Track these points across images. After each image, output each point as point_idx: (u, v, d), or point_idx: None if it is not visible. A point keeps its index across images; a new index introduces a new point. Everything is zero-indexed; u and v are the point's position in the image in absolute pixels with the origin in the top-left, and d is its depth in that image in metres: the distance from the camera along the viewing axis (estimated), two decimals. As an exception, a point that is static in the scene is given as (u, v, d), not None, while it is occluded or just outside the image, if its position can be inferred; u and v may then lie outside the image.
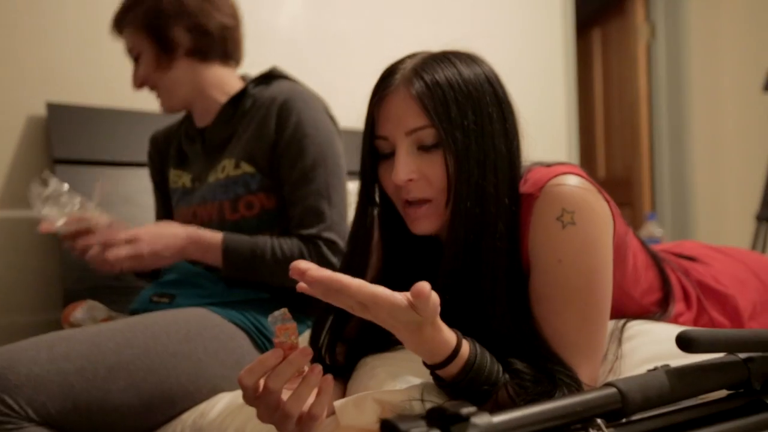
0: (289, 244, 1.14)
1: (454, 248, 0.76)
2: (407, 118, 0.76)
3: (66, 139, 1.61)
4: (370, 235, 0.85)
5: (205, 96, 1.27)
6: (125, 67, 1.81)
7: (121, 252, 1.07)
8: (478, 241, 0.76)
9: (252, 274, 1.14)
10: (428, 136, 0.76)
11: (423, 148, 0.77)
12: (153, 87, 1.27)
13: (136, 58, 1.26)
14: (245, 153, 1.19)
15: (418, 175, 0.77)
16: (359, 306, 0.60)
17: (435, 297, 0.60)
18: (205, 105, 1.28)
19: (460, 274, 0.77)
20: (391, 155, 0.79)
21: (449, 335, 0.66)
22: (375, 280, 0.83)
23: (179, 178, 1.33)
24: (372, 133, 0.80)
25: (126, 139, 1.68)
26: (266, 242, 1.14)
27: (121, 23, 1.25)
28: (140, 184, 1.65)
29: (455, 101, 0.75)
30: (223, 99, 1.26)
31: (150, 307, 1.17)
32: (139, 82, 1.27)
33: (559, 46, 3.02)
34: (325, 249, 1.14)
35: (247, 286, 1.19)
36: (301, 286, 0.60)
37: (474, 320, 0.77)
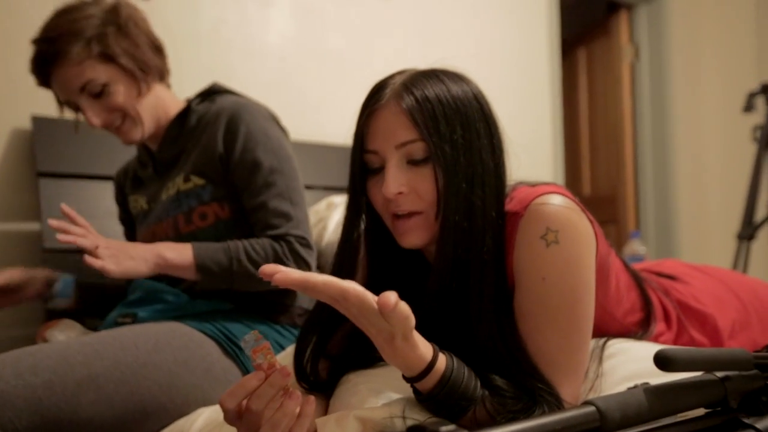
0: (261, 243, 1.14)
1: (443, 262, 0.77)
2: (397, 132, 0.77)
3: (51, 152, 1.60)
4: (358, 250, 0.85)
5: (155, 118, 1.25)
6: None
7: (96, 263, 1.05)
8: (466, 255, 0.77)
9: (229, 281, 1.13)
10: (418, 150, 0.77)
11: (412, 162, 0.78)
12: (124, 117, 1.19)
13: (98, 93, 1.16)
14: (194, 167, 1.20)
15: (408, 188, 0.78)
16: (333, 300, 0.61)
17: (404, 310, 0.61)
18: (155, 127, 1.27)
19: (448, 289, 0.78)
20: (380, 170, 0.80)
21: (425, 349, 0.67)
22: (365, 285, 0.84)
23: (137, 203, 1.34)
24: (362, 148, 0.81)
25: (111, 153, 1.68)
26: (238, 245, 1.14)
27: (62, 60, 1.12)
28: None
29: (444, 116, 0.76)
30: (166, 118, 1.26)
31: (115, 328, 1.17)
32: (110, 111, 1.17)
33: (544, 65, 3.06)
34: (296, 245, 1.14)
35: (210, 297, 1.19)
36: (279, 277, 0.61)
37: (459, 335, 0.77)
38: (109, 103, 1.17)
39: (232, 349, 1.11)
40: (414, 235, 0.80)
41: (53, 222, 1.06)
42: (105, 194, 1.64)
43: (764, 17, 3.66)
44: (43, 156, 1.59)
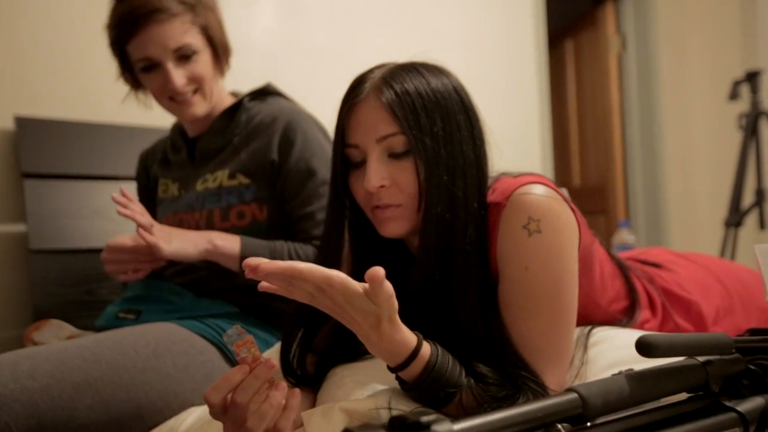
0: (305, 249, 1.15)
1: (426, 253, 0.77)
2: (377, 126, 0.77)
3: (34, 152, 1.59)
4: (341, 244, 0.85)
5: (214, 103, 1.27)
6: (94, 80, 1.81)
7: (150, 238, 1.06)
8: (449, 246, 0.77)
9: None
10: (398, 143, 0.78)
11: (393, 156, 0.79)
12: (197, 88, 1.20)
13: (187, 59, 1.17)
14: (243, 166, 1.20)
15: (389, 181, 0.78)
16: (317, 291, 0.61)
17: (389, 288, 0.61)
18: (209, 112, 1.27)
19: (432, 280, 0.78)
20: (361, 164, 0.80)
21: (409, 336, 0.67)
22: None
23: (167, 187, 1.32)
24: (342, 142, 0.81)
25: (95, 153, 1.67)
26: (284, 246, 1.14)
27: (167, 19, 1.13)
28: (110, 197, 1.64)
29: (424, 109, 0.77)
30: (218, 108, 1.27)
31: (116, 323, 1.16)
32: (189, 80, 1.18)
33: (531, 57, 3.06)
34: None
35: (215, 297, 1.19)
36: (263, 285, 0.61)
37: (444, 326, 0.78)
38: (194, 71, 1.18)
39: (233, 355, 1.11)
40: (394, 224, 0.80)
41: (115, 195, 1.06)
42: (91, 194, 1.63)
43: (748, 6, 3.68)
44: (27, 157, 1.58)
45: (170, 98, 1.19)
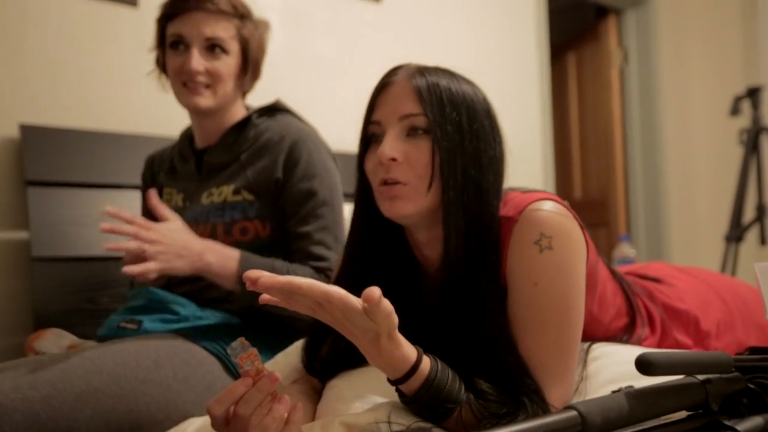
0: (303, 270, 1.15)
1: (454, 240, 0.78)
2: (402, 105, 0.80)
3: (39, 160, 1.60)
4: (366, 238, 0.87)
5: (221, 117, 1.28)
6: (98, 89, 1.82)
7: (134, 270, 1.01)
8: (478, 238, 0.78)
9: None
10: (419, 123, 0.79)
11: (411, 135, 0.80)
12: (210, 84, 1.22)
13: (217, 48, 1.20)
14: (248, 183, 1.21)
15: (402, 157, 0.79)
16: (317, 306, 0.62)
17: (387, 306, 0.62)
18: (215, 125, 1.28)
19: (456, 272, 0.78)
20: (380, 140, 0.82)
21: (409, 350, 0.68)
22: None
23: (171, 197, 1.33)
24: (368, 119, 0.83)
25: (99, 161, 1.68)
26: (283, 265, 1.14)
27: (214, 11, 1.19)
28: (114, 206, 1.64)
29: (451, 101, 0.79)
30: (229, 122, 1.28)
31: (118, 333, 1.16)
32: (207, 72, 1.20)
33: (533, 70, 3.08)
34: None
35: (218, 309, 1.19)
36: (264, 297, 0.62)
37: (451, 337, 0.78)
38: (214, 66, 1.20)
39: (234, 367, 1.11)
40: (399, 203, 0.80)
41: (109, 213, 1.04)
42: (93, 202, 1.64)
43: (749, 22, 3.70)
44: (31, 164, 1.58)
45: (183, 84, 1.22)
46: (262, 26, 1.29)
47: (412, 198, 0.80)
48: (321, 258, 1.17)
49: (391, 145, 0.78)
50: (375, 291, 0.59)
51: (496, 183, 0.81)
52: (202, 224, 1.22)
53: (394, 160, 0.78)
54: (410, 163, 0.79)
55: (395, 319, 0.64)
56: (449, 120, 0.78)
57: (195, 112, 1.25)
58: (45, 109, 1.71)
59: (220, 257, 1.09)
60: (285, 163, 1.21)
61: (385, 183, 0.80)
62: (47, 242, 1.53)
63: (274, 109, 1.31)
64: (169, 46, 1.22)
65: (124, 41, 1.83)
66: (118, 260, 1.59)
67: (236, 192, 1.21)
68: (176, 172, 1.35)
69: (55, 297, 1.52)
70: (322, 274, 1.16)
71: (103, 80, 1.81)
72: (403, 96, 0.80)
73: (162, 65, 1.29)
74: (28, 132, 1.61)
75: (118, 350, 1.01)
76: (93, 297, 1.57)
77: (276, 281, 0.59)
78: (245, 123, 1.27)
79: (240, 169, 1.23)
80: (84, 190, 1.64)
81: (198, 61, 1.19)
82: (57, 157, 1.62)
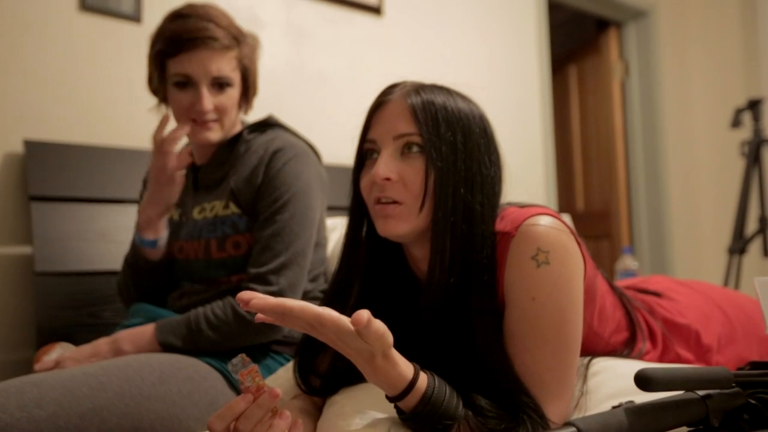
0: (222, 307, 1.13)
1: (440, 259, 0.78)
2: (397, 124, 0.80)
3: (43, 176, 1.61)
4: (363, 242, 0.88)
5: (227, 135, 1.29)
6: (101, 104, 1.84)
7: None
8: (466, 257, 0.78)
9: (195, 349, 1.13)
10: (414, 142, 0.80)
11: (406, 154, 0.80)
12: (218, 118, 1.23)
13: (223, 84, 1.21)
14: (234, 195, 1.22)
15: (396, 176, 0.79)
16: (310, 327, 0.62)
17: (380, 328, 0.62)
18: (214, 144, 1.28)
19: (443, 291, 0.78)
20: (375, 159, 0.82)
21: (405, 368, 0.68)
22: (355, 303, 0.86)
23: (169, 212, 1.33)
24: (363, 138, 0.84)
25: (103, 176, 1.69)
26: (198, 314, 1.13)
27: (216, 48, 1.19)
28: (116, 220, 1.65)
29: (446, 120, 0.80)
30: (224, 140, 1.28)
31: None
32: (216, 108, 1.21)
33: (535, 83, 3.09)
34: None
35: None
36: (259, 316, 0.62)
37: (449, 352, 0.78)
38: (222, 102, 1.22)
39: (237, 383, 1.11)
40: (393, 223, 0.80)
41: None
42: (96, 217, 1.65)
43: (750, 34, 3.71)
44: (34, 180, 1.59)
45: (192, 120, 1.22)
46: (254, 43, 1.29)
47: (405, 217, 0.80)
48: (262, 264, 1.14)
49: (385, 165, 0.79)
50: (363, 314, 0.60)
51: (490, 202, 0.81)
52: (196, 240, 1.23)
53: (388, 179, 0.79)
54: (404, 183, 0.80)
55: (389, 338, 0.64)
56: (444, 139, 0.79)
57: (204, 145, 1.26)
58: (49, 124, 1.72)
59: (134, 341, 1.13)
60: (264, 171, 1.20)
61: (379, 202, 0.81)
62: (50, 257, 1.53)
63: (266, 125, 1.31)
64: (175, 85, 1.21)
65: (128, 57, 1.85)
66: (120, 275, 1.60)
67: (225, 206, 1.22)
68: None
69: (58, 311, 1.52)
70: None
71: (107, 96, 1.83)
72: (398, 115, 0.81)
73: (164, 98, 1.28)
74: (32, 147, 1.62)
75: (123, 366, 1.01)
76: (96, 311, 1.57)
77: (267, 303, 0.60)
78: (237, 139, 1.28)
79: (228, 184, 1.24)
80: (87, 205, 1.65)
81: (208, 100, 1.19)
82: (60, 173, 1.63)
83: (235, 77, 1.23)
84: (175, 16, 1.20)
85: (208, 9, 1.22)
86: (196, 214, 1.25)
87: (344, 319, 0.61)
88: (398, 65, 2.52)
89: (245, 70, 1.26)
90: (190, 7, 1.21)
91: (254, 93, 1.32)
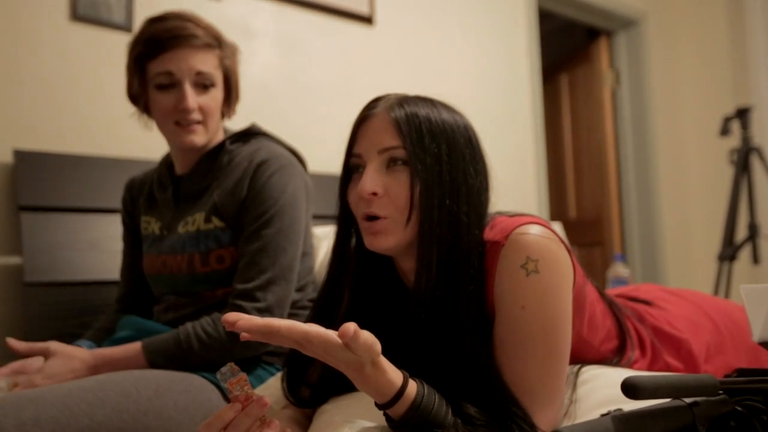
0: (211, 325, 1.12)
1: (426, 270, 0.78)
2: (381, 138, 0.80)
3: (32, 185, 1.60)
4: (350, 252, 0.88)
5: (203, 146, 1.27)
6: (92, 114, 1.84)
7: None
8: (452, 269, 0.78)
9: (185, 366, 1.12)
10: (398, 155, 0.80)
11: (391, 167, 0.81)
12: (202, 120, 1.21)
13: (207, 84, 1.20)
14: (216, 208, 1.20)
15: (382, 191, 0.80)
16: (298, 344, 0.62)
17: (368, 339, 0.62)
18: (195, 153, 1.27)
19: (431, 303, 0.78)
20: (361, 173, 0.83)
21: (394, 375, 0.68)
22: (345, 313, 0.87)
23: (149, 225, 1.32)
24: (349, 152, 0.84)
25: (93, 186, 1.68)
26: (189, 333, 1.11)
27: (198, 46, 1.18)
28: (107, 230, 1.65)
29: (430, 132, 0.80)
30: (206, 147, 1.27)
31: None
32: (200, 109, 1.20)
33: (526, 92, 3.11)
34: (253, 314, 1.11)
35: None
36: (244, 336, 0.62)
37: (438, 361, 0.78)
38: (205, 102, 1.21)
39: (227, 390, 1.10)
40: (381, 238, 0.81)
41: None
42: (86, 227, 1.64)
43: (738, 42, 3.75)
44: (24, 189, 1.59)
45: (176, 122, 1.20)
46: (234, 49, 1.29)
47: (392, 232, 0.81)
48: (249, 280, 1.13)
49: (371, 180, 0.79)
50: (350, 327, 0.60)
51: (476, 212, 0.82)
52: (179, 254, 1.21)
53: (374, 194, 0.79)
54: (390, 197, 0.80)
55: (377, 347, 0.64)
56: (428, 151, 0.79)
57: (189, 149, 1.24)
58: (39, 134, 1.72)
59: (120, 365, 1.10)
60: (249, 184, 1.19)
61: (367, 218, 0.82)
62: (40, 267, 1.53)
63: (249, 134, 1.30)
64: (157, 87, 1.19)
65: (119, 67, 1.83)
66: (111, 285, 1.60)
67: (207, 219, 1.20)
68: (155, 200, 1.33)
69: (47, 322, 1.51)
70: (234, 308, 1.12)
71: (97, 105, 1.83)
72: (383, 129, 0.81)
73: (145, 107, 1.26)
74: (22, 157, 1.62)
75: (119, 381, 1.00)
76: (86, 322, 1.56)
77: (253, 324, 0.60)
78: (219, 149, 1.26)
79: (210, 196, 1.22)
80: (77, 215, 1.64)
81: (193, 98, 1.18)
82: (50, 182, 1.63)
83: (218, 76, 1.23)
84: (154, 20, 1.20)
85: (186, 12, 1.22)
86: (180, 228, 1.23)
87: (331, 334, 0.61)
88: (390, 75, 2.53)
89: (227, 70, 1.25)
90: (168, 12, 1.21)
91: (236, 98, 1.31)
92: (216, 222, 1.19)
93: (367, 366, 0.65)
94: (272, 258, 1.14)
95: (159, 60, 1.18)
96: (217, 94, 1.23)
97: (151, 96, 1.21)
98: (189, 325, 1.12)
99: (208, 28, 1.22)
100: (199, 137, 1.22)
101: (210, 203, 1.21)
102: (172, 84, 1.18)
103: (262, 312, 1.11)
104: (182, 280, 1.21)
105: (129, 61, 1.23)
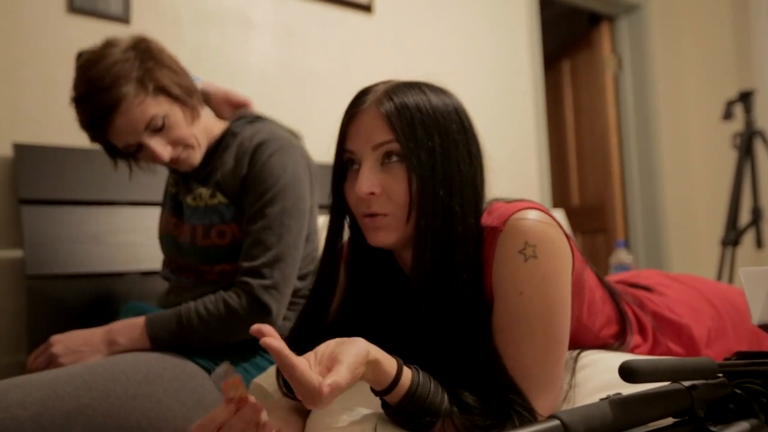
0: (214, 301, 1.12)
1: (422, 267, 0.78)
2: (374, 134, 0.79)
3: (33, 179, 1.61)
4: (341, 254, 0.87)
5: (207, 138, 1.26)
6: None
7: (39, 360, 1.09)
8: (447, 261, 0.78)
9: (186, 343, 1.12)
10: (393, 149, 0.79)
11: (387, 164, 0.80)
12: (185, 146, 1.19)
13: (161, 128, 1.15)
14: (220, 185, 1.21)
15: (380, 189, 0.79)
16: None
17: (339, 386, 0.61)
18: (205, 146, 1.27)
19: (426, 295, 0.78)
20: (357, 170, 0.82)
21: (389, 366, 0.68)
22: (343, 300, 0.88)
23: (171, 187, 1.34)
24: (341, 148, 0.83)
25: (93, 178, 1.68)
26: (189, 309, 1.12)
27: (124, 105, 1.11)
28: (108, 223, 1.65)
29: (422, 123, 0.78)
30: (212, 138, 1.26)
31: None
32: (173, 144, 1.17)
33: (527, 78, 3.09)
34: (258, 291, 1.11)
35: None
36: (265, 341, 0.62)
37: (436, 347, 0.78)
38: (172, 136, 1.16)
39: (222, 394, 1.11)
40: (382, 234, 0.81)
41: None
42: (88, 219, 1.64)
43: (741, 26, 3.72)
44: (25, 183, 1.59)
45: (170, 161, 1.20)
46: (155, 50, 1.17)
47: (394, 227, 0.80)
48: (254, 258, 1.14)
49: (367, 179, 0.78)
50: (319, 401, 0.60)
51: (471, 201, 0.81)
52: (185, 223, 1.24)
53: (372, 194, 0.79)
54: (389, 194, 0.79)
55: (360, 369, 0.65)
56: (421, 144, 0.78)
57: (193, 168, 1.25)
58: (38, 127, 1.72)
59: (128, 335, 1.12)
60: (249, 162, 1.19)
61: (367, 215, 0.81)
62: (41, 260, 1.53)
63: (254, 118, 1.31)
64: (131, 154, 1.19)
65: (117, 58, 1.85)
66: (112, 276, 1.60)
67: (212, 195, 1.21)
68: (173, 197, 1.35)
69: (50, 314, 1.52)
70: (240, 289, 1.12)
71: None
72: (373, 124, 0.79)
73: (134, 162, 1.26)
74: (22, 150, 1.62)
75: (108, 366, 1.01)
76: (88, 314, 1.57)
77: (270, 347, 0.60)
78: (223, 135, 1.27)
79: (215, 173, 1.23)
80: (78, 207, 1.64)
81: (161, 148, 1.15)
82: (51, 176, 1.63)
83: (163, 107, 1.15)
84: (77, 101, 1.14)
85: (91, 74, 1.11)
86: (189, 200, 1.25)
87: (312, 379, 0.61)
88: (389, 63, 2.52)
89: (164, 89, 1.15)
90: (82, 77, 1.13)
91: (192, 95, 1.21)
92: (220, 198, 1.20)
93: (360, 369, 0.65)
94: (277, 235, 1.15)
95: (111, 135, 1.15)
96: (175, 118, 1.16)
97: (134, 156, 1.22)
98: (191, 303, 1.13)
99: (126, 71, 1.11)
100: (195, 157, 1.22)
101: (214, 180, 1.22)
102: (137, 144, 1.16)
103: (269, 289, 1.12)
104: (184, 247, 1.23)
105: (91, 141, 1.20)
